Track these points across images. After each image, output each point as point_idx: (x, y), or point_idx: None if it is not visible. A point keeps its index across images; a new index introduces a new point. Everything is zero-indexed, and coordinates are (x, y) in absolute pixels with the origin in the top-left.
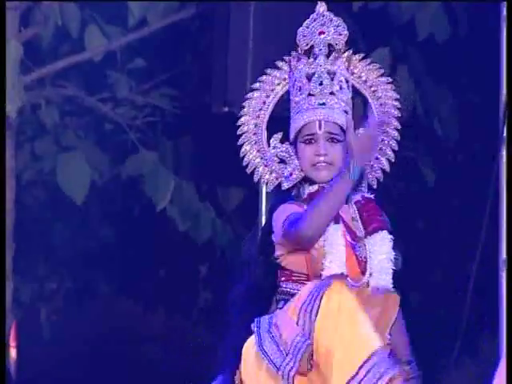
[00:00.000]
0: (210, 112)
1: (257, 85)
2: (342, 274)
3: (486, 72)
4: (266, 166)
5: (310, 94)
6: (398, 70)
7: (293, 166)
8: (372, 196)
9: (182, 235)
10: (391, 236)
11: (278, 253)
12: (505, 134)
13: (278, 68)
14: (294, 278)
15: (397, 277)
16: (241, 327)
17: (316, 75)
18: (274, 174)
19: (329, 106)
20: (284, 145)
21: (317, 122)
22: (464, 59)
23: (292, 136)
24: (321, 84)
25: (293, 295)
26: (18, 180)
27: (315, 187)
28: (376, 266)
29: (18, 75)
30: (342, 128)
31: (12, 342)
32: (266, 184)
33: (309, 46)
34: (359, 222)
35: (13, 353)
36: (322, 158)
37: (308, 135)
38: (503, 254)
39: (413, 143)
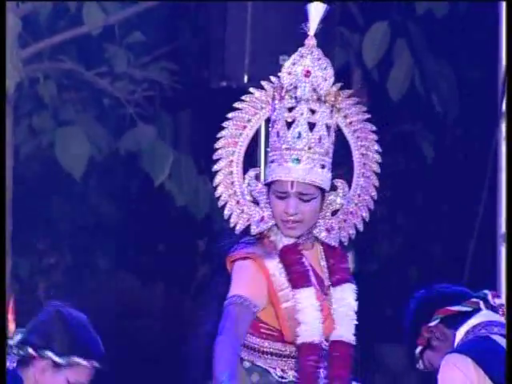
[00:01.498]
0: (209, 86)
1: (240, 105)
2: (312, 342)
3: (485, 47)
4: (237, 202)
5: (286, 148)
6: (397, 45)
7: (264, 212)
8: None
9: (181, 210)
10: (354, 286)
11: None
12: (503, 110)
13: (262, 88)
14: (262, 330)
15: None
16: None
17: (295, 124)
18: (244, 215)
19: (304, 163)
20: (259, 187)
21: (289, 183)
22: (463, 34)
23: (266, 181)
24: (299, 137)
25: (259, 352)
26: (16, 155)
27: (291, 240)
28: (340, 319)
29: (16, 49)
30: (316, 186)
31: (10, 316)
32: (234, 226)
33: (292, 87)
34: (325, 268)
35: (11, 326)
36: (291, 218)
37: (280, 192)
38: (502, 228)
39: (412, 119)
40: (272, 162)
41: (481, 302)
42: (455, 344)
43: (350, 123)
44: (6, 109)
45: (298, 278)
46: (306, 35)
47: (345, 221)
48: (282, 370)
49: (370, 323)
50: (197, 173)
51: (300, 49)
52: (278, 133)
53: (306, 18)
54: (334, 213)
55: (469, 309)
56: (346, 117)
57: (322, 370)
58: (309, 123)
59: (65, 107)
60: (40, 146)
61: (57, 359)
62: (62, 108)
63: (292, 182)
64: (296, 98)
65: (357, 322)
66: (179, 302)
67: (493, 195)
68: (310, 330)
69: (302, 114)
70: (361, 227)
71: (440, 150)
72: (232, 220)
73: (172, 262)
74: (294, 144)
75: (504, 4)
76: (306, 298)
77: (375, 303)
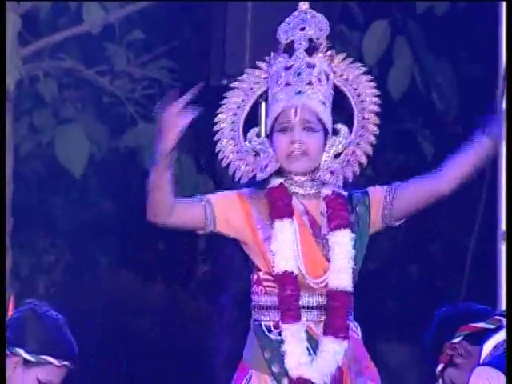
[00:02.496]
0: (209, 85)
1: (235, 83)
2: (285, 272)
3: (485, 44)
4: (241, 159)
5: (287, 84)
6: (397, 43)
7: (268, 158)
8: (343, 192)
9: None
10: (353, 234)
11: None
12: (503, 106)
13: (258, 67)
14: (263, 283)
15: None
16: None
17: (294, 67)
18: (249, 167)
19: (306, 94)
20: (260, 139)
21: (292, 109)
22: (463, 32)
23: (268, 127)
24: (299, 75)
25: (266, 309)
26: (16, 153)
27: (278, 182)
28: (336, 266)
29: (16, 48)
30: (319, 118)
31: (10, 314)
32: (241, 177)
33: (289, 41)
34: (325, 217)
35: None
36: (296, 146)
37: (284, 123)
38: (502, 226)
39: (412, 116)
40: (274, 103)
41: (503, 320)
42: (482, 358)
43: (346, 79)
44: (6, 107)
45: (276, 210)
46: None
47: (348, 161)
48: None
49: (370, 321)
50: (196, 171)
51: (293, 12)
52: (277, 80)
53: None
54: (337, 156)
55: (492, 326)
56: (342, 75)
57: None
58: (307, 64)
59: (65, 105)
60: (40, 144)
61: (27, 356)
62: (62, 106)
63: (296, 110)
64: (294, 49)
65: (354, 268)
66: (179, 300)
67: (493, 193)
68: (282, 259)
69: (300, 58)
70: (365, 162)
71: (440, 148)
72: (237, 174)
73: (172, 260)
74: (294, 79)
75: (504, 2)
76: (281, 229)
77: (375, 302)
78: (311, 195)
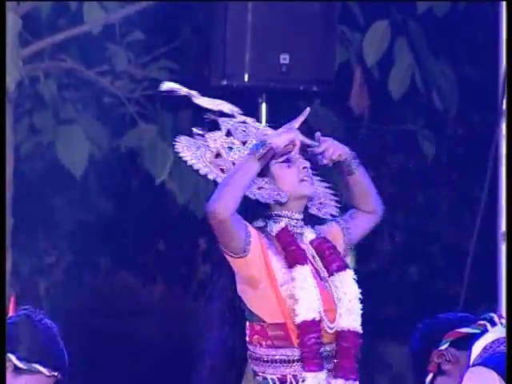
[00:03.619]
0: (209, 85)
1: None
2: (314, 319)
3: (485, 45)
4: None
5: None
6: (398, 43)
7: (276, 190)
8: (325, 237)
9: (182, 208)
10: (354, 274)
11: (243, 298)
12: (504, 107)
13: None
14: (269, 335)
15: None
16: None
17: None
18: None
19: None
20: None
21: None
22: (463, 33)
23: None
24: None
25: (272, 362)
26: (16, 153)
27: (282, 225)
28: (346, 307)
29: (16, 48)
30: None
31: (11, 314)
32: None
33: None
34: (319, 261)
35: None
36: (306, 172)
37: (286, 154)
38: (502, 227)
39: (412, 116)
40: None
41: (487, 324)
42: (471, 361)
43: None
44: (7, 107)
45: (294, 256)
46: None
47: (320, 203)
48: (294, 376)
49: (369, 322)
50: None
51: None
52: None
53: (306, 17)
54: (311, 200)
55: (477, 330)
56: None
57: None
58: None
59: (65, 106)
60: (40, 145)
61: (17, 363)
62: (63, 107)
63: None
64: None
65: (362, 311)
66: (180, 301)
67: (493, 193)
68: (308, 307)
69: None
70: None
71: (440, 149)
72: (260, 198)
73: (172, 261)
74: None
75: (504, 2)
76: (302, 276)
77: (375, 302)
78: (300, 238)
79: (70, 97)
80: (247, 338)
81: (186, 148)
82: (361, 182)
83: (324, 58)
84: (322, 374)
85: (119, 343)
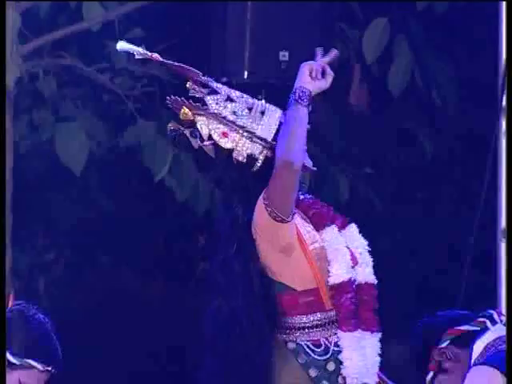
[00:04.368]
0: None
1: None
2: (350, 279)
3: (484, 42)
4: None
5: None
6: (397, 40)
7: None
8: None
9: (181, 206)
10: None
11: (271, 268)
12: (504, 105)
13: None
14: (300, 302)
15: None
16: None
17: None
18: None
19: None
20: None
21: None
22: (463, 30)
23: (272, 135)
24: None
25: (308, 328)
26: (15, 150)
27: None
28: (360, 260)
29: (15, 45)
30: None
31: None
32: None
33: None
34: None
35: None
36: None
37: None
38: (502, 224)
39: (411, 113)
40: (272, 111)
41: (487, 321)
42: (473, 359)
43: None
44: (6, 104)
45: (319, 218)
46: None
47: None
48: (326, 339)
49: None
50: (196, 169)
51: None
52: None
53: (305, 14)
54: None
55: (477, 328)
56: None
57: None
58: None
59: (65, 103)
60: (40, 142)
61: (10, 358)
62: (62, 104)
63: None
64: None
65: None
66: (179, 298)
67: (493, 191)
68: (341, 267)
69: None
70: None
71: (440, 146)
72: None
73: (172, 258)
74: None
75: (504, 2)
76: (332, 236)
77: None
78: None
79: (69, 94)
80: (280, 309)
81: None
82: None
83: (323, 55)
84: (358, 333)
85: (118, 340)
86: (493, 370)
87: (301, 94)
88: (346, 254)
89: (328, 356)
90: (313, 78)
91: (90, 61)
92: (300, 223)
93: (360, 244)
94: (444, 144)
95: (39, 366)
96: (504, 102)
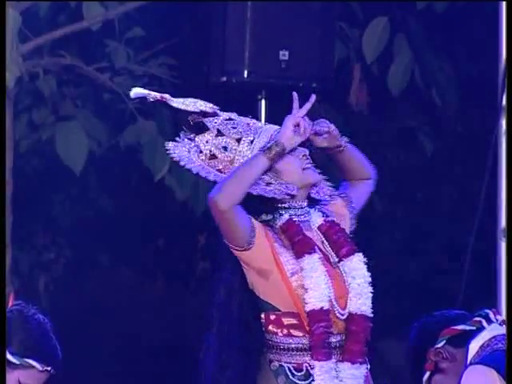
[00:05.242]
0: (208, 81)
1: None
2: (322, 308)
3: (484, 41)
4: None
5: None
6: (397, 40)
7: (283, 184)
8: (332, 218)
9: (181, 205)
10: (365, 259)
11: (256, 287)
12: (504, 104)
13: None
14: (284, 324)
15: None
16: None
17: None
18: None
19: None
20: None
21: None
22: (463, 29)
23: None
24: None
25: (289, 350)
26: (15, 149)
27: (286, 216)
28: (356, 291)
29: (15, 44)
30: None
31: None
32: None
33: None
34: (328, 246)
35: None
36: (308, 160)
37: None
38: (502, 223)
39: (411, 113)
40: (264, 131)
41: (483, 321)
42: (469, 359)
43: None
44: (6, 103)
45: (301, 246)
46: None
47: (319, 188)
48: (309, 365)
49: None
50: None
51: None
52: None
53: (305, 14)
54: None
55: (473, 327)
56: None
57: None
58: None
59: (64, 102)
60: (40, 141)
61: (10, 358)
62: (62, 103)
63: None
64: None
65: (372, 292)
66: (179, 297)
67: (493, 190)
68: (317, 295)
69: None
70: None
71: (440, 145)
72: (269, 194)
73: (172, 257)
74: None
75: (504, 2)
76: (311, 265)
77: (374, 300)
78: (307, 225)
79: (69, 93)
80: (263, 328)
81: (178, 151)
82: (352, 154)
83: (323, 55)
84: (331, 364)
85: (118, 339)
86: (488, 369)
87: (272, 148)
88: (322, 284)
89: (307, 382)
90: (299, 134)
91: (90, 60)
92: (280, 252)
93: (360, 275)
94: (444, 144)
95: (38, 366)
96: (504, 102)
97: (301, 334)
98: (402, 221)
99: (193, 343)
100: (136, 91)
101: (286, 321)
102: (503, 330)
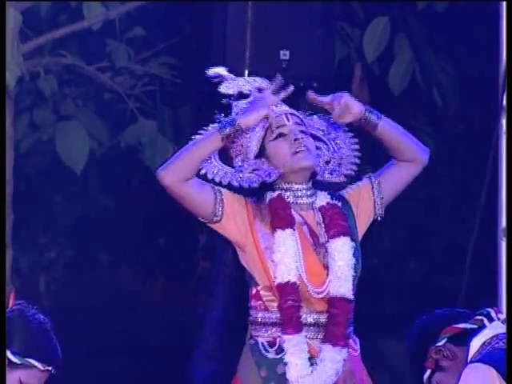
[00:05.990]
0: (209, 81)
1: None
2: (288, 282)
3: (485, 41)
4: (240, 176)
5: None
6: (398, 39)
7: (268, 169)
8: (337, 202)
9: (181, 205)
10: (353, 243)
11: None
12: (504, 103)
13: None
14: (263, 298)
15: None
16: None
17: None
18: (253, 176)
19: (284, 106)
20: (250, 161)
21: (283, 116)
22: (464, 28)
23: (255, 148)
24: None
25: (264, 325)
26: (16, 149)
27: (276, 193)
28: (335, 273)
29: (16, 44)
30: (305, 123)
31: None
32: (249, 183)
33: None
34: (322, 227)
35: None
36: (300, 143)
37: (278, 128)
38: (503, 223)
39: (412, 112)
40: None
41: (485, 319)
42: (469, 357)
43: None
44: (7, 103)
45: (277, 221)
46: (304, 30)
47: (339, 164)
48: (281, 339)
49: (370, 317)
50: None
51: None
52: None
53: (306, 13)
54: (327, 162)
55: (474, 326)
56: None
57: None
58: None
59: (65, 102)
60: (40, 141)
61: (11, 357)
62: (63, 102)
63: (287, 115)
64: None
65: (354, 275)
66: (179, 296)
67: (493, 189)
68: (283, 269)
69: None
70: (357, 162)
71: (440, 145)
72: (243, 183)
73: (172, 257)
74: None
75: (504, 2)
76: (281, 239)
77: (375, 299)
78: (307, 205)
79: (70, 93)
80: (249, 303)
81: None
82: (388, 132)
83: (324, 54)
84: (300, 337)
85: (119, 338)
86: (487, 367)
87: (227, 126)
88: (290, 258)
89: (279, 356)
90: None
91: (91, 60)
92: (258, 227)
93: (342, 257)
94: (444, 143)
95: (40, 366)
96: (504, 102)
97: (275, 309)
98: (402, 221)
99: (193, 343)
100: (213, 71)
101: (264, 295)
102: (505, 328)
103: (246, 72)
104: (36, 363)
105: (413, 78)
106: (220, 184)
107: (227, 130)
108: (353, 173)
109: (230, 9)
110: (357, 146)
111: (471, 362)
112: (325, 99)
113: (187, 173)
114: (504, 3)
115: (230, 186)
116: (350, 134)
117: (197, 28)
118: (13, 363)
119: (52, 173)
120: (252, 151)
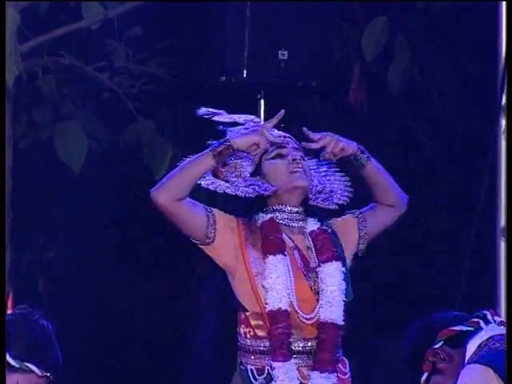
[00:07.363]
0: (208, 81)
1: None
2: (280, 309)
3: (484, 41)
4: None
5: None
6: (397, 39)
7: (264, 185)
8: (327, 228)
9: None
10: (343, 268)
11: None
12: (503, 103)
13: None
14: (252, 324)
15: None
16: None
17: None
18: (249, 190)
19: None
20: (247, 178)
21: (283, 138)
22: (462, 28)
23: (251, 166)
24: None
25: (253, 353)
26: (15, 149)
27: (269, 216)
28: (327, 298)
29: (15, 44)
30: (301, 148)
31: (9, 311)
32: (245, 194)
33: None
34: (313, 252)
35: None
36: (298, 164)
37: (278, 148)
38: (502, 223)
39: (411, 112)
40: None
41: (481, 322)
42: (467, 358)
43: None
44: (6, 103)
45: (268, 246)
46: (303, 29)
47: (331, 193)
48: (271, 367)
49: (368, 319)
50: None
51: None
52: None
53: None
54: (319, 192)
55: (471, 328)
56: None
57: (292, 337)
58: None
59: (64, 101)
60: (39, 140)
61: (10, 361)
62: (61, 102)
63: (286, 138)
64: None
65: (345, 301)
66: (179, 297)
67: (492, 189)
68: (275, 296)
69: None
70: (350, 194)
71: (439, 144)
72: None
73: (172, 257)
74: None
75: (504, 2)
76: (272, 265)
77: (374, 299)
78: (298, 229)
79: (68, 92)
80: (238, 329)
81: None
82: (374, 175)
83: (323, 54)
84: (290, 365)
85: (117, 338)
86: (485, 368)
87: (220, 146)
88: (282, 285)
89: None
90: (252, 149)
91: (90, 59)
92: (249, 250)
93: (334, 282)
94: (444, 143)
95: (37, 371)
96: (504, 101)
97: (265, 336)
98: (401, 221)
99: (192, 343)
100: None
101: (253, 321)
102: (501, 330)
103: (245, 72)
104: (34, 368)
105: (411, 78)
106: (215, 192)
107: (218, 148)
108: (345, 203)
109: (229, 9)
110: (348, 183)
111: (468, 363)
112: (315, 145)
113: (181, 192)
114: (504, 3)
115: (225, 196)
116: (342, 174)
117: (196, 28)
118: (11, 366)
119: (51, 172)
120: (247, 170)
